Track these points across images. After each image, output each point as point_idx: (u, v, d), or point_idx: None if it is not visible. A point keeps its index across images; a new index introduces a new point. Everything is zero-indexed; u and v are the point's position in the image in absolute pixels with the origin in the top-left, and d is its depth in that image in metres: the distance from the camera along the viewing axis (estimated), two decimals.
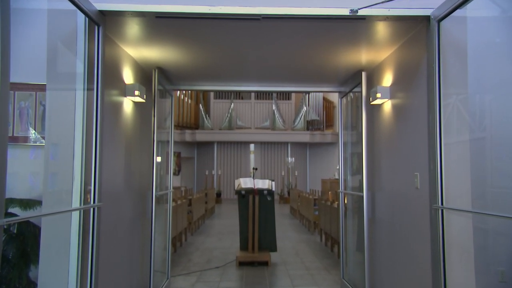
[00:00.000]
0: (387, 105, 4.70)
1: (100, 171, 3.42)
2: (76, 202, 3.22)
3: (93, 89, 3.33)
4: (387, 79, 4.69)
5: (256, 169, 8.07)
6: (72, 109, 3.28)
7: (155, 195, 4.91)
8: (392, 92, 4.56)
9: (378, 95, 4.63)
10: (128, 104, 4.67)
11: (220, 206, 20.14)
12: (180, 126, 23.22)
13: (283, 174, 24.19)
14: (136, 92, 4.56)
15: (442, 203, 3.32)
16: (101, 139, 3.43)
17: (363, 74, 4.99)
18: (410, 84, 4.02)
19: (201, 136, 23.90)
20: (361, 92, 4.99)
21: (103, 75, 3.41)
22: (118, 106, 4.37)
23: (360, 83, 5.02)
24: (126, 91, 4.55)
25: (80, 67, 3.29)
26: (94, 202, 3.32)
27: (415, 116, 3.89)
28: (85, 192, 3.26)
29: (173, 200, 8.52)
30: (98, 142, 3.39)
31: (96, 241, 3.26)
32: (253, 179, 7.69)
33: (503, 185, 3.79)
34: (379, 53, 4.60)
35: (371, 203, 5.10)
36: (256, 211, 7.40)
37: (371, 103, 4.91)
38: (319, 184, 21.48)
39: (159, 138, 5.22)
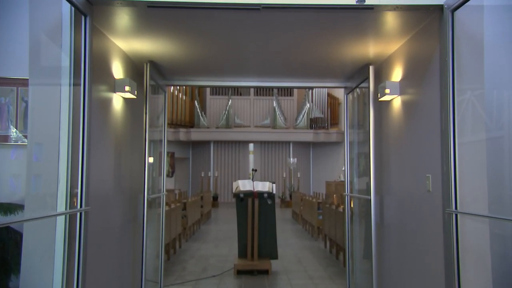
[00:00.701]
0: (397, 102, 4.69)
1: (88, 173, 3.40)
2: (61, 206, 3.20)
3: (80, 85, 3.32)
4: (397, 74, 4.68)
5: (256, 170, 8.06)
6: (57, 106, 3.26)
7: (147, 199, 4.90)
8: (402, 88, 4.55)
9: (387, 91, 4.62)
10: (117, 101, 4.66)
11: (216, 210, 20.13)
12: (174, 125, 23.21)
13: (284, 176, 24.19)
14: (127, 88, 4.54)
15: (456, 207, 3.31)
16: (88, 139, 3.41)
17: (371, 68, 4.98)
18: (422, 79, 4.01)
19: (196, 135, 23.89)
20: (368, 87, 4.98)
21: (91, 69, 3.40)
22: (107, 103, 4.35)
23: (368, 78, 5.01)
24: (115, 86, 4.53)
25: (65, 61, 3.27)
26: (81, 206, 3.30)
27: (426, 114, 3.88)
28: (71, 195, 3.24)
29: (166, 204, 8.50)
30: (86, 142, 3.37)
31: (83, 248, 3.25)
32: (253, 181, 7.67)
33: None
34: (388, 45, 4.58)
35: (379, 207, 5.09)
36: (256, 215, 7.39)
37: (379, 99, 4.90)
38: (323, 186, 21.47)
39: (151, 137, 5.21)
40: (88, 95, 3.36)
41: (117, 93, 4.58)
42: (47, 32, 3.29)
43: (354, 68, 5.41)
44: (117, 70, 4.62)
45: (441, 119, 3.50)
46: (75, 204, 3.27)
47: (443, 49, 3.44)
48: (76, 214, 3.26)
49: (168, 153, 22.07)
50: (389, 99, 4.82)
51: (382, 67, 5.15)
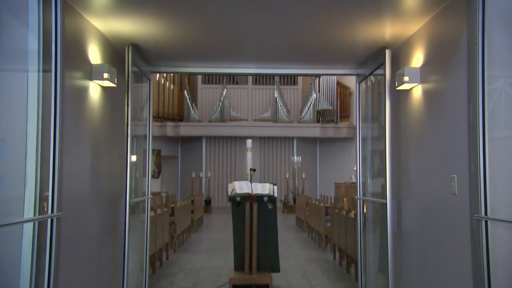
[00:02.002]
0: (417, 91, 4.67)
1: (60, 173, 3.38)
2: (29, 212, 3.19)
3: (50, 71, 3.30)
4: (417, 59, 4.66)
5: (254, 170, 8.04)
6: (23, 96, 3.24)
7: (129, 203, 4.89)
8: (423, 75, 4.53)
9: (406, 78, 4.61)
10: (95, 90, 4.64)
11: (209, 216, 20.14)
12: (160, 118, 23.19)
13: (287, 176, 24.20)
14: (105, 75, 4.53)
15: (486, 213, 3.29)
16: (61, 134, 3.39)
17: (387, 52, 4.96)
18: (446, 64, 3.98)
19: (186, 129, 23.88)
20: (384, 75, 4.97)
21: (63, 53, 3.37)
22: (82, 93, 4.33)
23: (383, 63, 5.00)
24: (92, 73, 4.52)
25: (33, 43, 3.25)
26: (52, 211, 3.29)
27: (452, 105, 3.86)
28: (41, 199, 3.23)
29: (152, 209, 8.49)
30: (58, 138, 3.36)
31: (54, 260, 3.23)
32: (251, 183, 7.65)
33: None
34: (407, 26, 4.56)
35: (396, 213, 5.09)
36: (254, 222, 7.37)
37: (397, 88, 4.89)
38: (332, 189, 21.49)
39: (134, 133, 5.19)
40: (60, 83, 3.34)
41: (94, 81, 4.56)
42: (10, 10, 3.26)
43: (367, 52, 5.39)
44: (94, 55, 4.59)
45: (468, 111, 3.48)
46: (45, 209, 3.26)
47: (471, 29, 3.42)
48: (47, 221, 3.25)
49: (153, 150, 22.07)
50: (408, 88, 4.81)
51: (400, 51, 5.13)
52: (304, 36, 4.90)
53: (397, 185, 5.14)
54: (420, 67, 4.59)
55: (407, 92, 4.92)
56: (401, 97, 5.10)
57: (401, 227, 5.04)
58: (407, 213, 4.92)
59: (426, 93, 4.47)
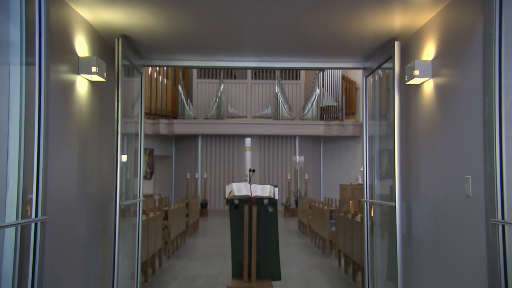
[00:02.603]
0: (428, 86, 4.67)
1: (45, 174, 3.37)
2: (11, 216, 3.18)
3: (34, 64, 3.29)
4: (428, 51, 4.65)
5: (254, 171, 8.03)
6: (5, 91, 3.23)
7: (120, 206, 4.88)
8: (435, 69, 4.52)
9: (416, 72, 4.61)
10: (82, 85, 4.63)
11: (205, 220, 20.14)
12: (153, 115, 23.19)
13: (289, 177, 24.21)
14: (94, 69, 4.52)
15: (502, 217, 3.29)
16: (45, 132, 3.38)
17: (396, 44, 4.95)
18: (460, 57, 3.98)
19: (180, 127, 23.88)
20: (393, 68, 4.96)
21: (48, 45, 3.36)
22: (68, 87, 4.32)
23: (392, 56, 4.99)
24: (80, 67, 4.51)
25: (15, 34, 3.24)
26: (36, 215, 3.28)
27: (466, 100, 3.85)
28: (24, 202, 3.22)
29: (144, 212, 8.48)
30: (42, 136, 3.35)
31: (39, 267, 3.22)
32: (250, 185, 7.64)
33: None
34: (417, 16, 4.55)
35: (406, 217, 5.09)
36: (254, 226, 7.35)
37: (407, 83, 4.88)
38: (337, 191, 21.50)
39: (124, 130, 5.19)
40: (44, 77, 3.33)
41: (81, 75, 4.55)
42: None
43: (375, 44, 5.39)
44: (82, 47, 4.58)
45: (484, 107, 3.47)
46: (29, 213, 3.24)
47: (487, 19, 3.41)
48: (30, 225, 3.24)
49: (145, 149, 22.06)
50: (418, 82, 4.80)
51: (410, 43, 5.12)
52: (308, 27, 4.89)
53: (407, 187, 5.14)
54: (432, 60, 4.58)
55: (418, 87, 4.91)
56: (411, 92, 5.09)
57: (411, 232, 5.04)
58: (418, 217, 4.92)
59: (438, 88, 4.45)
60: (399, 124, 4.88)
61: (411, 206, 5.07)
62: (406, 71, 4.84)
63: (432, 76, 4.58)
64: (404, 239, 4.96)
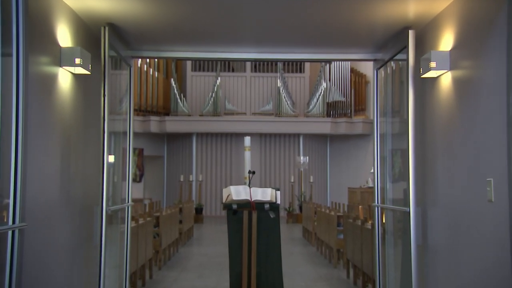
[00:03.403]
0: (446, 79, 4.66)
1: (23, 177, 3.36)
2: None
3: (11, 55, 3.28)
4: (446, 41, 4.64)
5: (254, 173, 8.03)
6: None
7: (106, 212, 4.88)
8: (453, 60, 4.51)
9: (432, 64, 4.60)
10: (65, 78, 4.62)
11: (201, 227, 20.13)
12: (142, 111, 23.17)
13: (292, 180, 24.18)
14: (77, 60, 4.52)
15: None
16: (24, 130, 3.37)
17: (411, 33, 4.93)
18: (481, 47, 3.96)
19: (173, 125, 23.86)
20: (407, 60, 4.95)
21: (27, 35, 3.35)
22: (50, 81, 4.31)
23: (406, 47, 4.98)
24: (62, 58, 4.49)
25: None
26: (13, 222, 3.27)
27: (488, 95, 3.84)
28: (0, 208, 3.20)
29: (133, 218, 8.47)
30: (20, 135, 3.34)
31: (16, 279, 3.21)
32: (249, 188, 7.63)
33: None
34: (434, 2, 4.54)
35: (421, 223, 5.07)
36: (254, 234, 7.34)
37: (422, 76, 4.87)
38: (345, 195, 21.49)
39: (111, 129, 5.18)
40: (23, 70, 3.32)
41: (64, 67, 4.54)
42: None
43: (387, 33, 5.38)
44: (64, 36, 4.56)
45: (508, 103, 3.46)
46: (5, 219, 3.23)
47: None
48: (7, 233, 3.23)
49: (135, 149, 22.05)
50: (435, 75, 4.79)
51: (426, 32, 5.11)
52: (313, 14, 4.87)
53: (422, 191, 5.13)
54: (450, 50, 4.57)
55: (434, 80, 4.90)
56: (427, 87, 5.08)
57: (426, 240, 5.02)
58: (434, 224, 4.91)
59: (457, 82, 4.44)
60: (414, 121, 4.87)
61: (427, 212, 5.06)
62: (422, 63, 4.83)
63: (450, 69, 4.57)
64: (419, 248, 4.93)
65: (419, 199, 5.06)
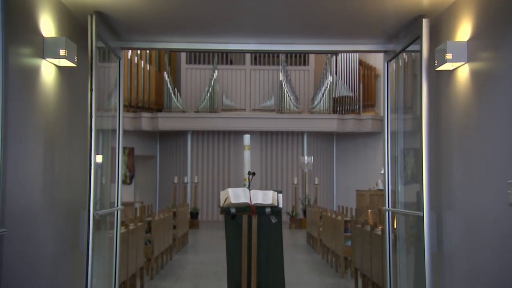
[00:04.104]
0: (463, 72, 4.65)
1: (3, 179, 3.35)
2: None
3: None
4: (463, 31, 4.63)
5: (254, 174, 8.03)
6: None
7: (94, 216, 4.87)
8: (471, 51, 4.50)
9: (448, 56, 4.59)
10: (49, 71, 4.61)
11: (196, 232, 20.13)
12: (133, 107, 23.17)
13: (295, 182, 24.19)
14: (62, 52, 4.51)
15: None
16: (4, 128, 3.36)
17: (425, 22, 4.93)
18: (502, 37, 3.95)
19: (166, 122, 23.85)
20: (420, 51, 4.95)
21: (6, 24, 3.33)
22: (32, 74, 4.30)
23: (419, 37, 4.97)
24: (45, 49, 4.49)
25: None
26: None
27: (509, 90, 3.83)
28: None
29: (123, 223, 8.47)
30: (0, 133, 3.31)
31: None
32: (249, 190, 7.62)
33: None
34: None
35: (436, 229, 5.05)
36: (254, 240, 7.34)
37: (437, 69, 4.86)
38: (353, 198, 21.49)
39: (99, 126, 5.18)
40: (2, 62, 3.31)
41: (47, 59, 4.53)
42: None
43: (399, 22, 5.38)
44: (48, 25, 4.55)
45: None
46: None
47: None
48: None
49: (124, 149, 22.05)
50: (451, 68, 4.78)
51: (441, 21, 5.10)
52: (319, 1, 4.88)
53: (437, 193, 5.13)
54: (467, 41, 4.56)
55: (450, 73, 4.89)
56: (442, 80, 5.08)
57: (442, 247, 5.02)
58: (450, 230, 4.90)
59: (475, 75, 4.44)
60: (428, 118, 4.87)
61: (442, 216, 5.05)
62: (436, 54, 4.82)
63: (468, 61, 4.56)
64: (433, 256, 4.93)
65: (434, 203, 5.05)
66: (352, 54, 24.19)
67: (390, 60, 6.03)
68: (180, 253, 14.46)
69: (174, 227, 14.33)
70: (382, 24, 5.45)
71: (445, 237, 4.98)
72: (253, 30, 5.80)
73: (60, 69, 4.83)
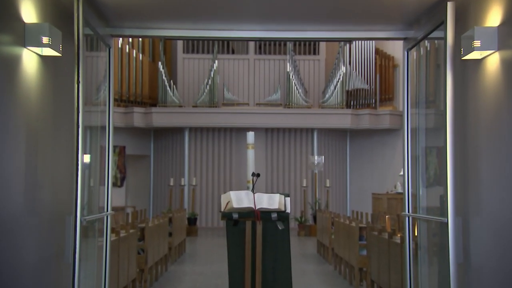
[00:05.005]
0: (493, 62, 4.63)
1: None
2: None
3: None
4: (493, 15, 4.61)
5: (258, 175, 8.03)
6: None
7: (81, 222, 4.88)
8: (502, 38, 4.48)
9: (477, 43, 4.57)
10: (30, 61, 4.61)
11: (194, 240, 20.15)
12: (124, 101, 23.19)
13: (305, 185, 24.19)
14: (45, 40, 4.51)
15: None
16: None
17: (450, 6, 4.94)
18: None
19: (161, 118, 23.86)
20: (444, 38, 4.95)
21: None
22: (11, 64, 4.30)
23: (444, 22, 4.97)
24: (26, 37, 4.48)
25: None
26: None
27: None
28: None
29: (113, 230, 8.48)
30: None
31: None
32: (253, 194, 7.62)
33: None
34: None
35: (462, 237, 5.05)
36: (258, 249, 7.34)
37: (463, 58, 4.84)
38: (369, 202, 21.49)
39: (87, 122, 5.19)
40: None
41: (29, 47, 4.53)
42: None
43: (420, 6, 5.39)
44: (29, 11, 4.55)
45: None
46: None
47: None
48: None
49: (115, 147, 22.07)
50: (479, 57, 4.77)
51: (468, 4, 5.08)
52: None
53: (463, 197, 5.11)
54: (498, 26, 4.54)
55: (478, 63, 4.87)
56: (469, 71, 5.06)
57: (469, 257, 5.00)
58: (478, 238, 4.89)
59: (506, 65, 4.42)
60: (452, 113, 4.88)
61: (469, 223, 5.04)
62: (463, 42, 4.80)
63: (498, 49, 4.54)
64: (459, 267, 4.93)
65: (459, 208, 5.04)
66: (368, 42, 24.13)
67: (411, 49, 6.02)
68: (177, 263, 14.47)
69: (170, 234, 14.35)
70: (402, 7, 5.44)
71: (472, 246, 4.97)
72: (258, 15, 5.79)
73: (43, 58, 4.82)
